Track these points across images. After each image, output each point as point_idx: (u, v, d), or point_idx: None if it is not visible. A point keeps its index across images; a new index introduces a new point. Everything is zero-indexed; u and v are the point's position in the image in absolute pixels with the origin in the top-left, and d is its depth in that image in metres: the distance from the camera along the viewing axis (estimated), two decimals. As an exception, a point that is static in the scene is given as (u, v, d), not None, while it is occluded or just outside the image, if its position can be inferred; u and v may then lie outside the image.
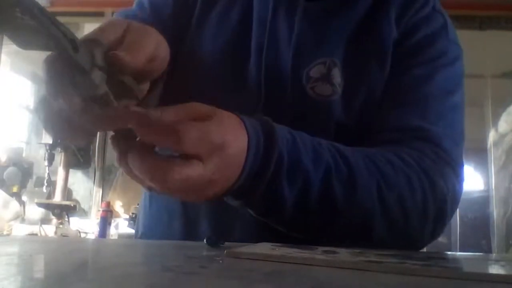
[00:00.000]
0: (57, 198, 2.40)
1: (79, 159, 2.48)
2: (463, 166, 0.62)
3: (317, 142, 0.51)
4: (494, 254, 2.03)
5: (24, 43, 0.33)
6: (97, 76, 0.37)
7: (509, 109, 2.70)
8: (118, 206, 2.72)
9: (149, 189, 0.41)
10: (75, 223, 2.45)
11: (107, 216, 2.24)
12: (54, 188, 2.44)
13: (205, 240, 0.49)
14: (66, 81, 0.37)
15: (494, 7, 2.90)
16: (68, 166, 2.46)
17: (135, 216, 2.31)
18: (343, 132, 0.62)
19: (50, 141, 2.27)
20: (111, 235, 2.26)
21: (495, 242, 2.64)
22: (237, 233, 0.62)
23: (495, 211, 2.70)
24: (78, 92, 0.37)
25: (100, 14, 2.86)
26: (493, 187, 2.77)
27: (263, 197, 0.47)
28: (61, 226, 2.26)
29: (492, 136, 2.80)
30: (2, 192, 2.47)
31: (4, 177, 2.68)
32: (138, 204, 2.37)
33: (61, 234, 2.17)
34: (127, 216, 2.52)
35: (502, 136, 2.74)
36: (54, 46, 0.33)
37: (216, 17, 0.69)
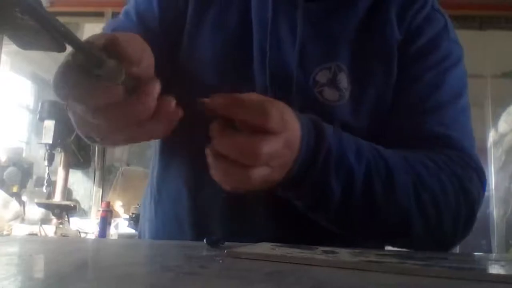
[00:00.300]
0: (57, 198, 2.39)
1: (79, 159, 2.48)
2: (483, 169, 0.64)
3: (358, 140, 0.54)
4: (494, 254, 2.03)
5: (24, 43, 0.33)
6: (112, 62, 0.37)
7: (509, 109, 2.70)
8: (118, 206, 2.71)
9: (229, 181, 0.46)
10: (75, 223, 2.44)
11: (107, 216, 2.23)
12: (54, 188, 2.44)
13: (205, 240, 0.49)
14: (88, 81, 0.37)
15: (494, 7, 2.90)
16: (68, 166, 2.46)
17: (135, 216, 2.31)
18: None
19: (50, 141, 2.27)
20: (111, 235, 2.25)
21: (495, 242, 2.64)
22: (248, 239, 0.62)
23: (495, 211, 2.70)
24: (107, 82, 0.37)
25: (100, 14, 2.86)
26: (493, 187, 2.76)
27: (313, 188, 0.50)
28: (61, 226, 2.26)
29: (492, 136, 2.79)
30: (2, 192, 2.46)
31: (4, 177, 2.67)
32: (138, 204, 2.37)
33: (61, 234, 2.17)
34: (127, 216, 2.51)
35: (502, 136, 2.74)
36: (55, 46, 0.33)
37: (212, 21, 0.67)
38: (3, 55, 2.98)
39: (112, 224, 2.34)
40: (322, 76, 0.64)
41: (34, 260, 0.39)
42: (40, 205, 2.32)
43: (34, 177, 2.88)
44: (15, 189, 2.66)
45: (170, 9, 0.68)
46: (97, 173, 2.91)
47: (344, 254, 0.42)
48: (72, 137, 2.30)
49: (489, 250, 2.52)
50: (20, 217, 2.38)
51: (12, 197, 2.50)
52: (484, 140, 2.82)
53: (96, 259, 0.45)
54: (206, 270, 0.33)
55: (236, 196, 0.62)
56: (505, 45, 2.84)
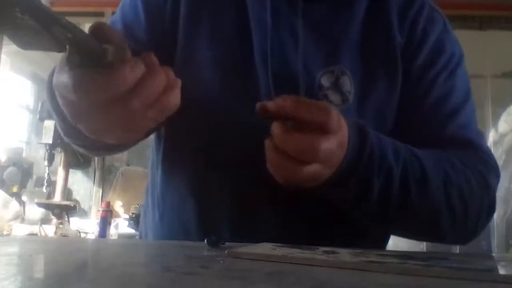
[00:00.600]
0: (57, 198, 2.39)
1: (79, 159, 2.48)
2: (498, 165, 0.67)
3: (394, 140, 0.56)
4: (494, 254, 2.03)
5: (24, 43, 0.33)
6: (111, 46, 0.38)
7: (509, 109, 2.70)
8: (118, 206, 2.71)
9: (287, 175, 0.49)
10: (75, 223, 2.44)
11: (107, 216, 2.23)
12: (54, 188, 2.44)
13: (205, 240, 0.49)
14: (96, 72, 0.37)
15: (494, 7, 2.90)
16: (68, 166, 2.46)
17: (135, 216, 2.31)
18: None
19: (50, 141, 2.27)
20: (111, 235, 2.25)
21: (495, 242, 2.64)
22: (256, 242, 0.62)
23: (495, 211, 2.70)
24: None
25: (100, 14, 2.86)
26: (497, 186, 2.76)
27: (357, 186, 0.52)
28: (61, 226, 2.26)
29: (492, 136, 2.79)
30: (2, 192, 2.46)
31: (4, 177, 2.67)
32: (138, 204, 2.37)
33: (61, 234, 2.16)
34: (127, 216, 2.51)
35: (502, 136, 2.74)
36: (55, 46, 0.33)
37: (208, 21, 0.66)
38: (3, 55, 2.98)
39: (112, 224, 2.34)
40: (325, 80, 0.64)
41: (34, 260, 0.39)
42: (40, 205, 2.32)
43: (34, 177, 2.88)
44: (15, 189, 2.66)
45: (159, 16, 0.67)
46: (97, 173, 2.91)
47: (344, 254, 0.42)
48: (72, 137, 2.30)
49: (489, 250, 2.52)
50: (20, 217, 2.38)
51: (12, 197, 2.50)
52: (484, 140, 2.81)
53: (96, 259, 0.45)
54: (206, 270, 0.33)
55: (242, 200, 0.62)
56: (505, 45, 2.84)
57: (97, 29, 0.38)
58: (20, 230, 2.21)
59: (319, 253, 0.42)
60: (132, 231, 2.32)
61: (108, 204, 2.30)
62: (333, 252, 0.43)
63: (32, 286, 0.27)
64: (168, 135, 0.70)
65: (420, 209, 0.56)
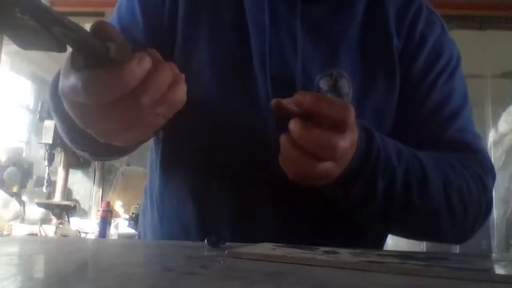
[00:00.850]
0: (57, 198, 2.39)
1: (79, 159, 2.47)
2: (494, 166, 0.69)
3: (396, 142, 0.57)
4: (494, 254, 2.03)
5: (24, 43, 0.33)
6: (113, 44, 0.37)
7: (509, 109, 2.70)
8: (118, 206, 2.71)
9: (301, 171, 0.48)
10: (75, 223, 2.44)
11: (107, 216, 2.23)
12: (54, 188, 2.44)
13: (205, 240, 0.49)
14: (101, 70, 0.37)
15: (494, 7, 2.90)
16: (68, 166, 2.46)
17: (135, 216, 2.31)
18: None
19: (50, 141, 2.27)
20: (111, 235, 2.25)
21: (495, 242, 2.64)
22: (256, 241, 0.62)
23: (495, 211, 2.70)
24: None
25: (100, 14, 2.86)
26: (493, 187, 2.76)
27: (362, 186, 0.53)
28: (61, 226, 2.26)
29: (492, 136, 2.79)
30: (2, 192, 2.46)
31: (4, 177, 2.67)
32: (138, 204, 2.37)
33: (61, 234, 2.16)
34: (127, 216, 2.51)
35: (502, 136, 2.73)
36: (55, 46, 0.33)
37: (206, 22, 0.65)
38: (3, 55, 2.98)
39: (112, 224, 2.34)
40: (324, 83, 0.64)
41: (34, 260, 0.39)
42: (40, 205, 2.32)
43: (34, 177, 2.87)
44: (15, 189, 2.66)
45: (157, 18, 0.67)
46: (97, 173, 2.92)
47: (345, 254, 0.42)
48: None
49: (489, 250, 2.52)
50: (20, 217, 2.38)
51: (12, 197, 2.50)
52: (484, 140, 2.82)
53: (96, 259, 0.45)
54: (206, 270, 0.33)
55: (242, 200, 0.62)
56: (505, 45, 2.84)
57: (98, 28, 0.38)
58: (20, 230, 2.21)
59: (319, 253, 0.42)
60: (132, 231, 2.32)
61: (108, 204, 2.30)
62: (334, 252, 0.43)
63: (32, 286, 0.27)
64: (167, 136, 0.70)
65: (421, 209, 0.57)
